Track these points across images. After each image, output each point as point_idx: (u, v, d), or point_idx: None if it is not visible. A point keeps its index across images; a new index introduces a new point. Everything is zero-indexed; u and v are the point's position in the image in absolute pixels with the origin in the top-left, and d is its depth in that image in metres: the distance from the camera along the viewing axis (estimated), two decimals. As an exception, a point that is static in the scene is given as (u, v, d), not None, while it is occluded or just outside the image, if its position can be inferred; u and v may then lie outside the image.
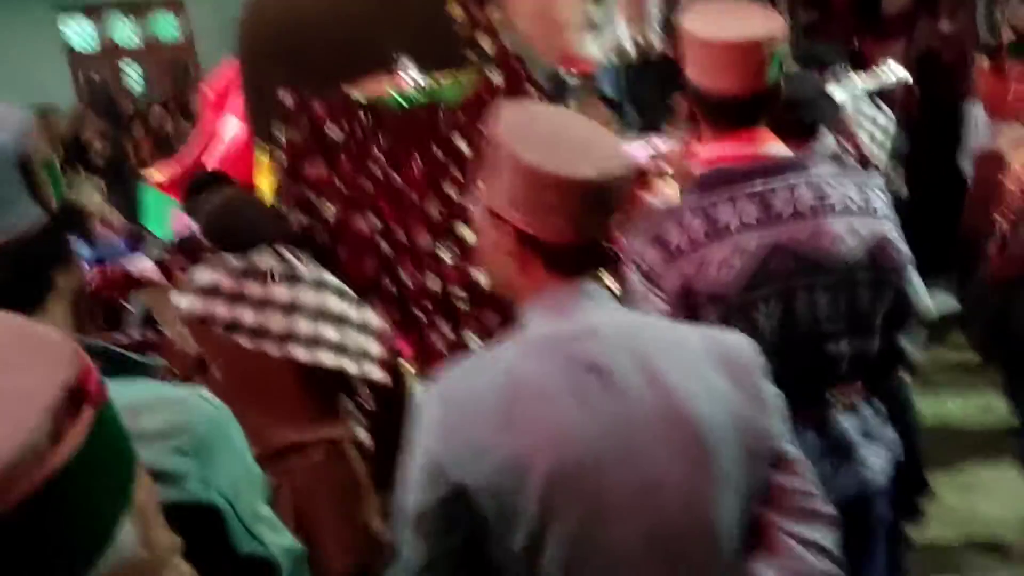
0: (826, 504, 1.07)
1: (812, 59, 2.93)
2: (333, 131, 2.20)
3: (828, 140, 2.33)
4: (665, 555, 0.98)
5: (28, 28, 7.64)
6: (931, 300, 1.56)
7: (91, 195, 4.09)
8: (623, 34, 5.01)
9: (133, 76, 8.58)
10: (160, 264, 2.61)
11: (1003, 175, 2.26)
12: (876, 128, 2.93)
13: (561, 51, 2.51)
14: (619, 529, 0.96)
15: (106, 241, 3.63)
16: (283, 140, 2.20)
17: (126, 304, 2.72)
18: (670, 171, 2.42)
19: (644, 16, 5.03)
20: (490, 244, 1.06)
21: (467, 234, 2.19)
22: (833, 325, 1.43)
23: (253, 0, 2.29)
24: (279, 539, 0.90)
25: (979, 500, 2.77)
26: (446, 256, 2.25)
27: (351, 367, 1.99)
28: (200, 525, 0.79)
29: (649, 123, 4.21)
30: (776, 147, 1.47)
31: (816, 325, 1.42)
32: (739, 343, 1.06)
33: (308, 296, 1.98)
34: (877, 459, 1.51)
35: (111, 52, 8.51)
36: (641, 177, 2.38)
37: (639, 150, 2.55)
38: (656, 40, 4.98)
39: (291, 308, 1.95)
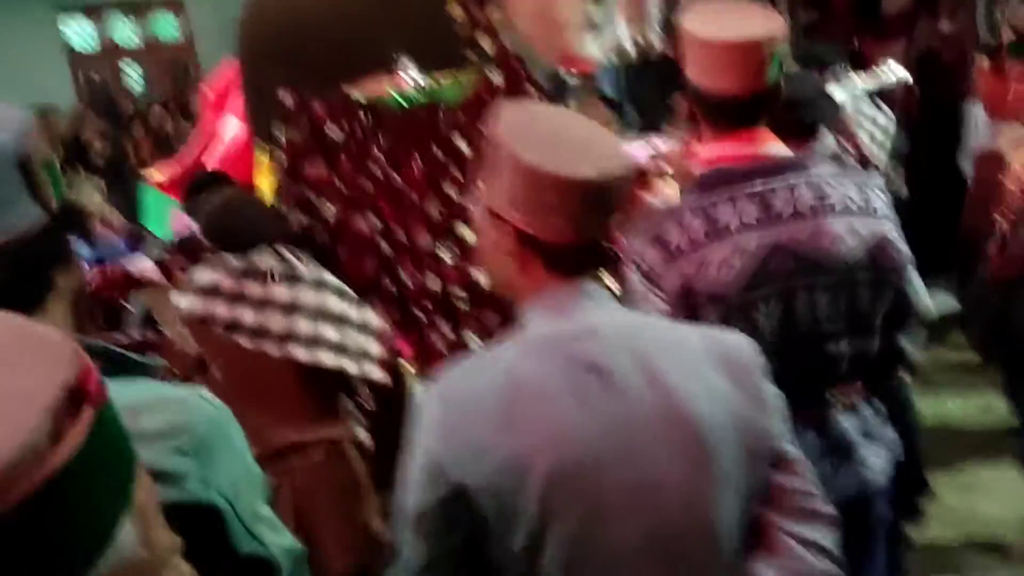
0: (826, 504, 1.07)
1: (812, 59, 2.93)
2: (333, 131, 2.20)
3: (828, 140, 2.33)
4: (665, 555, 0.98)
5: (28, 28, 7.64)
6: (931, 300, 1.56)
7: (91, 195, 4.09)
8: (623, 34, 5.01)
9: (133, 76, 8.58)
10: (160, 264, 2.61)
11: (1003, 175, 2.26)
12: (876, 128, 2.93)
13: (561, 51, 2.51)
14: (619, 529, 0.96)
15: (106, 241, 3.63)
16: (283, 140, 2.20)
17: (126, 304, 2.72)
18: (670, 171, 2.42)
19: (644, 16, 5.03)
20: (490, 244, 1.06)
21: (467, 234, 2.19)
22: (833, 325, 1.43)
23: (253, 0, 2.29)
24: (279, 539, 0.90)
25: (979, 500, 2.77)
26: (446, 256, 2.25)
27: (351, 367, 1.99)
28: (200, 525, 0.79)
29: (649, 123, 4.20)
30: (776, 147, 1.47)
31: (816, 325, 1.42)
32: (739, 343, 1.06)
33: (308, 296, 1.97)
34: (877, 459, 1.51)
35: (111, 52, 8.51)
36: (641, 177, 2.37)
37: (639, 150, 2.55)
38: (656, 40, 4.98)
39: (291, 308, 1.95)
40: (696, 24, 1.42)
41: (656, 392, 0.98)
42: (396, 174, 2.23)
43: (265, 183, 2.28)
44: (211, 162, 2.80)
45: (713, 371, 1.01)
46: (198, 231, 2.18)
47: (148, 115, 6.47)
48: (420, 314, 2.25)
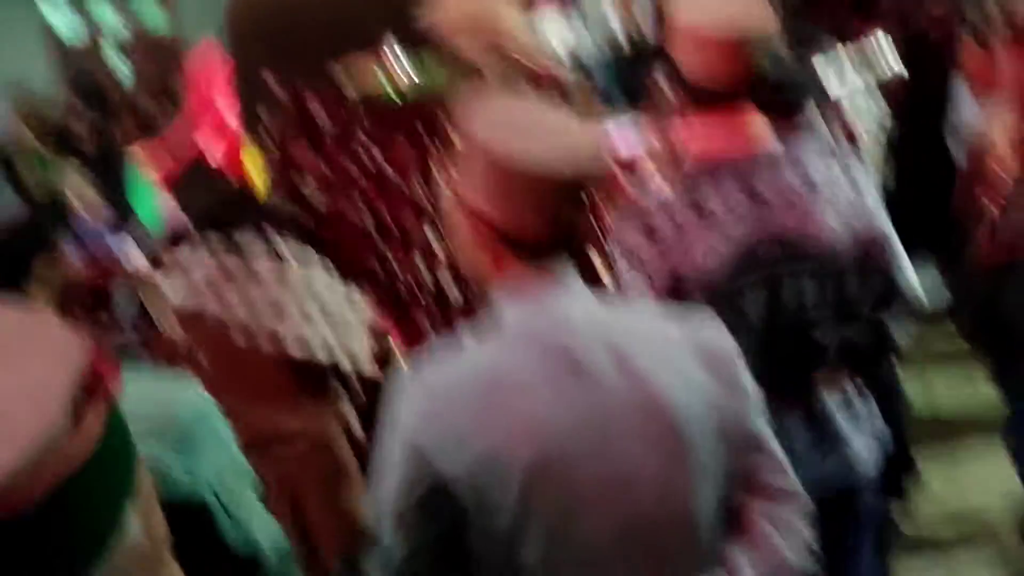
0: (800, 492, 1.08)
1: (801, 40, 2.92)
2: (322, 119, 2.19)
3: (819, 125, 2.32)
4: (642, 545, 0.98)
5: (11, 16, 7.55)
6: (921, 286, 1.56)
7: (78, 184, 4.06)
8: (614, 24, 4.99)
9: (119, 64, 8.50)
10: (150, 254, 2.60)
11: (992, 158, 2.26)
12: (868, 113, 2.92)
13: (507, 67, 2.46)
14: (596, 520, 0.96)
15: (94, 230, 3.61)
16: (272, 127, 2.19)
17: (115, 294, 2.70)
18: (658, 159, 2.41)
19: (636, 5, 5.00)
20: (463, 236, 1.06)
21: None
22: (819, 312, 1.43)
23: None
24: (265, 529, 0.90)
25: (967, 486, 2.78)
26: (435, 242, 2.25)
27: (340, 355, 1.99)
28: (186, 517, 0.79)
29: (639, 109, 4.19)
30: (762, 130, 1.47)
31: (802, 312, 1.42)
32: (715, 333, 1.06)
33: (296, 283, 1.97)
34: (865, 446, 1.52)
35: (97, 39, 8.43)
36: (629, 166, 2.37)
37: (627, 138, 2.54)
38: (648, 30, 4.96)
39: (279, 295, 1.95)
40: (683, 10, 1.42)
41: (632, 383, 0.98)
42: (385, 161, 2.22)
43: (254, 170, 2.27)
44: (200, 149, 2.78)
45: (689, 361, 1.01)
46: (185, 218, 2.17)
47: (135, 103, 6.41)
48: (409, 300, 2.25)
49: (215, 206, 2.06)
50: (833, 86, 2.71)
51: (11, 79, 5.69)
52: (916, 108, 3.42)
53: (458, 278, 2.23)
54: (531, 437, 0.95)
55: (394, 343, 2.17)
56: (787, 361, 1.43)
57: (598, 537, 0.97)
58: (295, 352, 1.93)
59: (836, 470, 1.48)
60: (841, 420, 1.50)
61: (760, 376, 1.41)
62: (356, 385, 2.07)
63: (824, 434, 1.48)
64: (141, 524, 0.62)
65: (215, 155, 2.66)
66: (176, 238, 2.39)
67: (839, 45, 3.07)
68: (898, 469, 2.11)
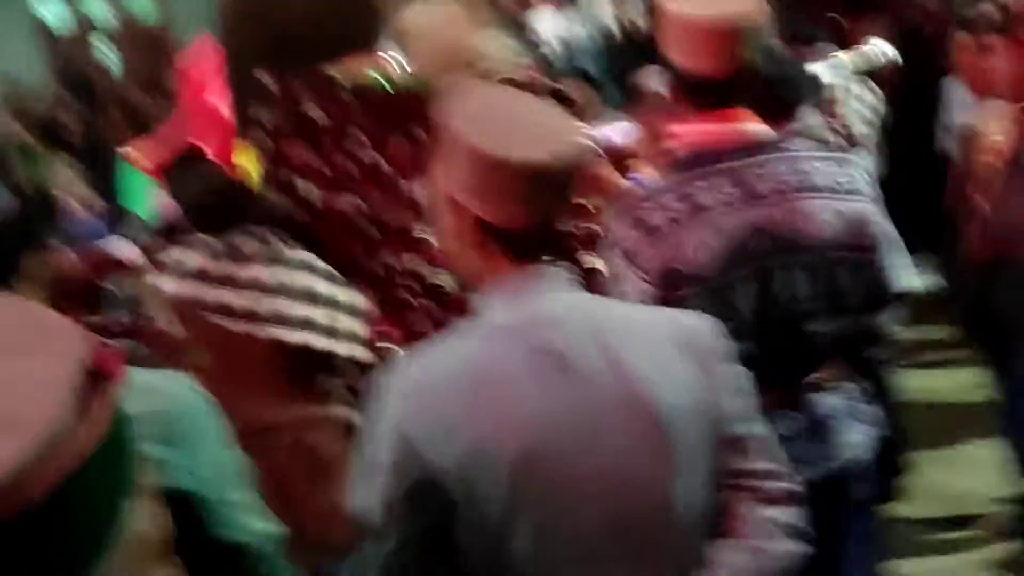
0: (792, 483, 1.08)
1: (796, 36, 2.92)
2: (316, 113, 2.18)
3: (813, 119, 2.32)
4: (629, 540, 0.98)
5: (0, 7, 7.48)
6: (917, 276, 1.57)
7: (68, 177, 4.03)
8: (606, 12, 4.98)
9: (108, 55, 8.44)
10: (143, 247, 2.58)
11: (984, 154, 2.27)
12: (864, 107, 2.93)
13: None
14: (584, 514, 0.97)
15: (84, 223, 3.59)
16: (265, 122, 2.18)
17: (109, 288, 2.69)
18: (650, 152, 2.41)
19: (628, -5, 5.00)
20: (446, 229, 1.05)
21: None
22: (811, 305, 1.43)
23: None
24: (260, 525, 0.90)
25: (962, 475, 2.79)
26: (431, 238, 2.24)
27: (337, 348, 1.99)
28: (179, 512, 0.79)
29: (632, 102, 4.19)
30: (754, 123, 1.47)
31: (795, 305, 1.43)
32: (702, 327, 1.06)
33: (291, 277, 1.97)
34: (858, 438, 1.53)
35: (86, 31, 8.36)
36: (621, 159, 2.37)
37: (619, 131, 2.54)
38: (639, 18, 4.96)
39: (274, 290, 1.94)
40: (673, 2, 1.42)
41: (618, 379, 0.98)
42: (380, 155, 2.21)
43: (248, 164, 2.26)
44: (193, 142, 2.76)
45: (676, 356, 1.01)
46: (179, 213, 2.16)
47: (124, 94, 6.36)
48: (405, 295, 2.24)
49: (207, 196, 2.06)
50: (828, 81, 2.71)
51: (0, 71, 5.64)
52: (909, 104, 3.43)
53: (455, 273, 2.23)
54: (518, 431, 0.95)
55: (390, 338, 2.16)
56: (779, 353, 1.43)
57: (586, 531, 0.97)
58: (289, 340, 1.92)
59: (828, 459, 1.49)
60: (833, 412, 1.50)
61: (752, 368, 1.41)
62: (352, 374, 2.07)
63: (816, 424, 1.48)
64: (147, 513, 0.62)
65: (208, 147, 2.64)
66: (169, 230, 2.38)
67: (834, 40, 3.07)
68: (890, 457, 2.12)
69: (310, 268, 2.00)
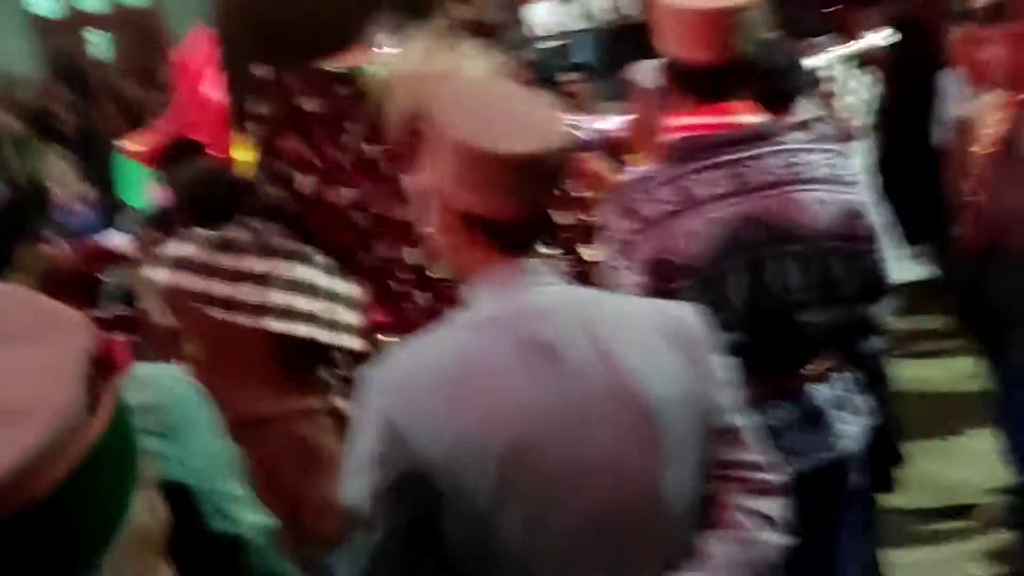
0: (778, 475, 1.09)
1: (793, 27, 2.91)
2: (309, 104, 2.17)
3: (810, 110, 2.32)
4: (616, 532, 0.98)
5: (-9, -4, 7.43)
6: (912, 266, 1.57)
7: (61, 168, 4.01)
8: (601, 3, 4.97)
9: (100, 44, 8.38)
10: (137, 239, 2.57)
11: (978, 144, 2.27)
12: (860, 98, 2.92)
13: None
14: (571, 506, 0.97)
15: (77, 215, 3.57)
16: (260, 114, 2.17)
17: (103, 279, 2.68)
18: (642, 142, 2.40)
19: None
20: (433, 221, 1.05)
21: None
22: (804, 295, 1.43)
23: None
24: (252, 517, 0.90)
25: (956, 465, 2.80)
26: (423, 228, 2.23)
27: (328, 338, 1.99)
28: (171, 505, 0.78)
29: (627, 94, 4.18)
30: (748, 113, 1.46)
31: (787, 295, 1.43)
32: (691, 317, 1.06)
33: (283, 268, 1.97)
34: (851, 427, 1.53)
35: (77, 20, 8.30)
36: (615, 151, 2.36)
37: (613, 123, 2.52)
38: (631, 6, 4.94)
39: (266, 280, 1.94)
40: None
41: (606, 370, 0.98)
42: (374, 148, 2.21)
43: (242, 155, 2.25)
44: (187, 133, 2.75)
45: (664, 347, 1.01)
46: (172, 203, 2.16)
47: (116, 84, 6.33)
48: (397, 286, 2.24)
49: (201, 188, 2.06)
50: (824, 73, 2.71)
51: (-9, 61, 5.60)
52: (905, 95, 3.42)
53: (444, 266, 2.22)
54: (506, 422, 0.95)
55: (385, 328, 2.16)
56: (772, 344, 1.44)
57: (575, 522, 0.97)
58: (281, 330, 1.92)
59: (822, 449, 1.49)
60: (827, 400, 1.51)
61: (745, 358, 1.41)
62: (347, 365, 2.07)
63: (810, 414, 1.49)
64: (146, 503, 0.62)
65: (203, 138, 2.63)
66: (164, 221, 2.38)
67: (831, 31, 3.07)
68: (884, 448, 2.12)
69: (304, 259, 2.00)
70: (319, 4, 2.16)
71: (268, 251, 1.97)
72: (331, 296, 2.02)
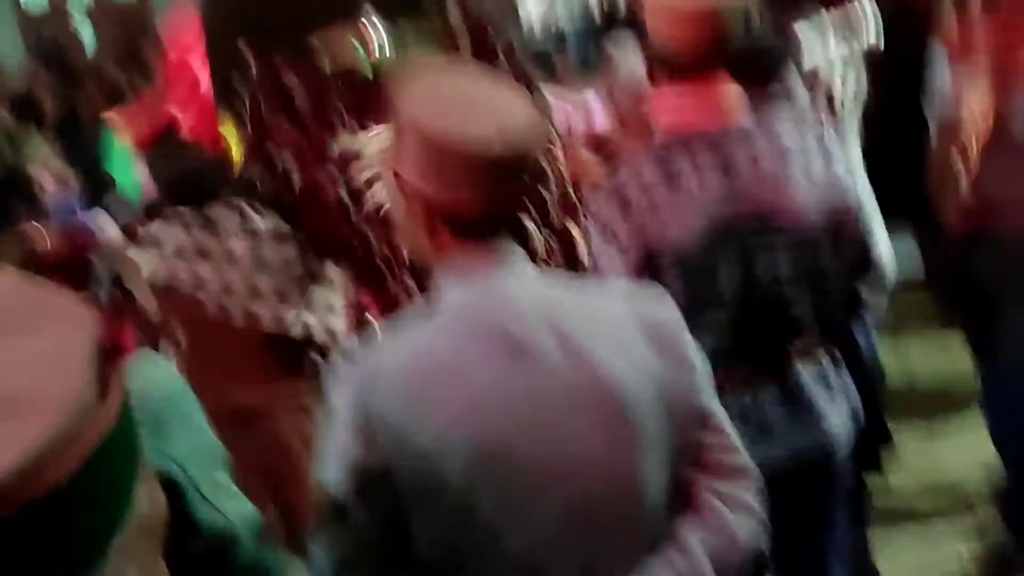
0: (750, 462, 1.08)
1: (782, 6, 2.89)
2: (298, 92, 2.16)
3: (797, 89, 2.31)
4: (590, 526, 0.98)
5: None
6: (896, 255, 1.57)
7: (43, 152, 3.97)
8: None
9: (84, 31, 8.29)
10: (122, 223, 2.55)
11: (965, 127, 2.26)
12: (847, 77, 2.91)
13: None
14: (542, 502, 0.96)
15: (61, 202, 3.54)
16: (246, 96, 2.15)
17: (86, 268, 2.65)
18: (631, 132, 2.39)
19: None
20: (401, 212, 1.04)
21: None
22: (793, 282, 1.44)
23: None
24: (238, 508, 0.89)
25: (944, 457, 2.82)
26: (394, 215, 2.22)
27: (316, 325, 1.98)
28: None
29: (609, 79, 4.16)
30: (735, 102, 1.46)
31: (776, 285, 1.43)
32: (662, 309, 1.05)
33: (269, 253, 1.95)
34: (839, 413, 1.53)
35: (62, 6, 8.21)
36: (601, 139, 2.35)
37: (599, 111, 2.51)
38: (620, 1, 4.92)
39: (252, 266, 1.93)
40: None
41: (576, 363, 0.97)
42: (358, 128, 2.19)
43: (230, 141, 2.24)
44: (175, 118, 2.72)
45: (636, 338, 1.00)
46: (158, 188, 2.14)
47: (101, 70, 6.26)
48: (386, 275, 2.23)
49: (185, 176, 2.04)
50: (813, 53, 2.69)
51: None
52: (894, 75, 3.42)
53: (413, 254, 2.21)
54: (469, 420, 0.94)
55: (372, 317, 2.15)
56: (761, 334, 1.44)
57: (548, 516, 0.96)
58: (269, 327, 1.91)
59: (811, 442, 1.49)
60: (816, 392, 1.51)
61: (735, 349, 1.42)
62: (333, 351, 2.06)
63: (799, 406, 1.49)
64: (146, 498, 0.61)
65: (189, 123, 2.61)
66: (151, 209, 2.36)
67: (821, 10, 3.04)
68: (874, 440, 2.13)
69: (285, 243, 1.99)
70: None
71: (255, 236, 1.95)
72: (319, 282, 2.01)
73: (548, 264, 1.88)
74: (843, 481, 1.56)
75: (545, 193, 1.83)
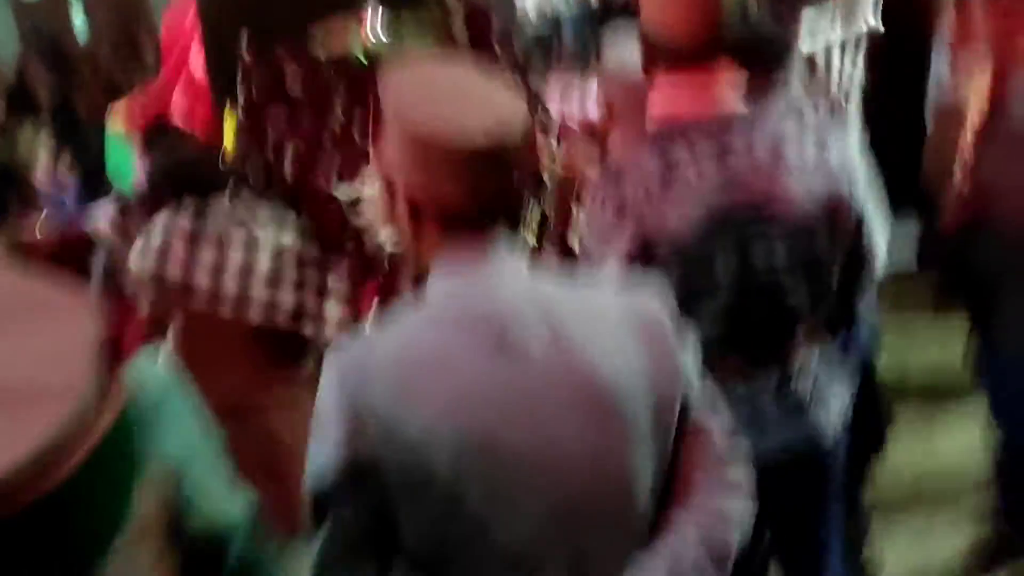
0: (742, 460, 1.08)
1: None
2: (295, 81, 2.15)
3: (795, 84, 2.29)
4: (578, 521, 0.97)
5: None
6: (894, 246, 1.57)
7: (38, 145, 3.96)
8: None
9: (79, 20, 8.25)
10: (118, 219, 2.54)
11: (964, 117, 2.26)
12: (848, 72, 2.90)
13: None
14: (529, 497, 0.95)
15: (54, 193, 3.52)
16: (243, 88, 2.14)
17: (84, 258, 2.65)
18: (623, 122, 2.38)
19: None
20: (387, 207, 1.03)
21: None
22: (789, 271, 1.43)
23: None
24: (234, 502, 0.89)
25: (939, 449, 2.81)
26: (383, 208, 2.22)
27: (309, 320, 1.97)
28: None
29: (605, 70, 4.15)
30: (731, 91, 1.45)
31: (773, 275, 1.43)
32: (652, 304, 1.05)
33: (262, 243, 1.95)
34: (835, 409, 1.54)
35: (56, -7, 8.16)
36: (597, 130, 2.34)
37: (595, 102, 2.50)
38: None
39: (247, 260, 1.92)
40: None
41: (564, 357, 0.97)
42: (357, 128, 2.19)
43: (226, 135, 2.23)
44: (167, 110, 2.71)
45: (626, 334, 1.00)
46: (153, 179, 2.14)
47: (96, 60, 6.24)
48: (379, 264, 2.23)
49: (179, 166, 2.03)
50: (811, 41, 2.68)
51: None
52: (894, 64, 3.41)
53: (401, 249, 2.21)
54: (456, 412, 0.93)
55: (366, 309, 2.15)
56: (758, 325, 1.43)
57: (533, 511, 0.96)
58: (262, 319, 1.91)
59: (806, 433, 1.50)
60: (811, 383, 1.51)
61: (730, 338, 1.41)
62: (326, 351, 2.05)
63: (794, 397, 1.49)
64: (148, 496, 0.61)
65: (186, 114, 2.59)
66: (144, 200, 2.35)
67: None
68: (869, 432, 2.13)
69: (282, 232, 1.98)
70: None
71: (250, 230, 1.95)
72: (313, 275, 2.01)
73: (541, 255, 1.88)
74: (837, 472, 1.57)
75: (538, 183, 1.83)
